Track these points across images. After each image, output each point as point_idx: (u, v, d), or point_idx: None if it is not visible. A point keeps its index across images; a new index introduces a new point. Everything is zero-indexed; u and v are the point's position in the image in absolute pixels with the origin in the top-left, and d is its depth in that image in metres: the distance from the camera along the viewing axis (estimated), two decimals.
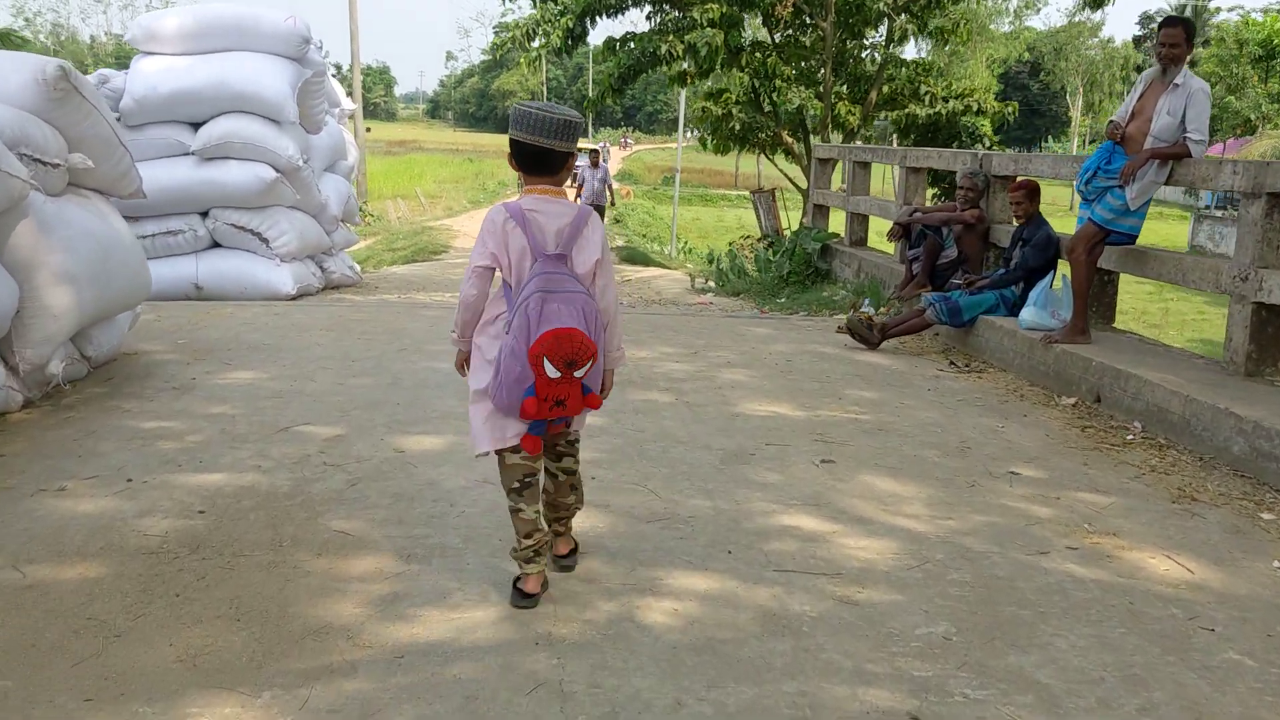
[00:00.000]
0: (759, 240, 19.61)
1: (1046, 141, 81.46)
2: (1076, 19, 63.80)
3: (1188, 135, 6.55)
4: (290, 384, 6.24)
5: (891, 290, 10.38)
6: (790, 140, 18.87)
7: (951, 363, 7.71)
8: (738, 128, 17.99)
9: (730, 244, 19.82)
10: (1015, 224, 8.17)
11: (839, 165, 15.80)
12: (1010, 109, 18.90)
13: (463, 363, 3.53)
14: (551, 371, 3.18)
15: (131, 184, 6.66)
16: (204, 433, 5.16)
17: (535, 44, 17.68)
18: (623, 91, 17.96)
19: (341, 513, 4.10)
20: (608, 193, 18.98)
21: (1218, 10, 78.05)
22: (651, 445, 5.19)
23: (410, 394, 6.07)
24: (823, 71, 17.92)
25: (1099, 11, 16.67)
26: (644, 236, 31.56)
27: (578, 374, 3.23)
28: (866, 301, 10.91)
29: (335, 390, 6.12)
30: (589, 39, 17.85)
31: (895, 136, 19.20)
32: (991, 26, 50.30)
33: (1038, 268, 7.86)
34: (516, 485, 3.40)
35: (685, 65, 17.76)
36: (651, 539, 3.95)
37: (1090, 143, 72.39)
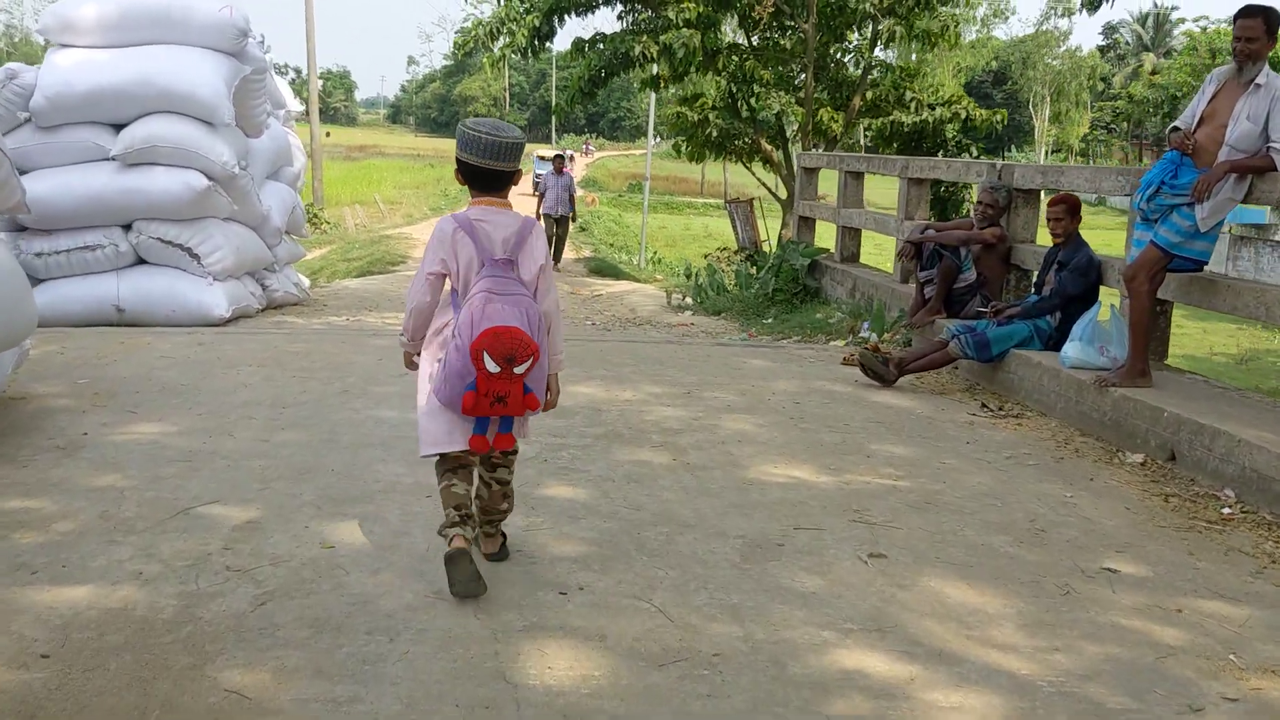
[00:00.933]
0: (736, 253, 18.59)
1: (1010, 151, 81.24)
2: (1045, 27, 63.58)
3: (1272, 144, 5.55)
4: (203, 441, 5.11)
5: (897, 315, 9.37)
6: (769, 148, 17.87)
7: (983, 405, 6.69)
8: (715, 134, 16.96)
9: (706, 256, 18.78)
10: (1052, 244, 7.16)
11: (841, 176, 14.77)
12: (999, 117, 18.00)
13: (412, 359, 3.73)
14: (491, 366, 3.32)
15: (11, 197, 5.51)
16: (79, 517, 4.02)
17: (499, 44, 16.59)
18: (593, 95, 16.91)
19: (240, 657, 2.99)
20: (570, 202, 17.95)
21: (1181, 20, 78.21)
22: (652, 532, 4.12)
23: (348, 456, 4.95)
24: (804, 76, 16.94)
25: (1094, 13, 15.83)
26: (611, 246, 30.49)
27: (518, 370, 3.35)
28: (865, 326, 9.90)
29: (257, 450, 4.99)
30: (556, 39, 16.79)
31: (878, 145, 18.24)
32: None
33: (1077, 295, 6.87)
34: (450, 468, 3.57)
35: (659, 68, 16.74)
36: (667, 699, 2.87)
37: (1054, 152, 72.19)
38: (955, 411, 6.51)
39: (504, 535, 3.84)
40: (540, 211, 17.97)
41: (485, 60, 16.75)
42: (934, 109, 17.41)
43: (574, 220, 19.67)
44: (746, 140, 17.46)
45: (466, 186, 3.59)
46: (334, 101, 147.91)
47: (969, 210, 18.27)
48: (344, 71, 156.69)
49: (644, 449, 5.28)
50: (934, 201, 18.16)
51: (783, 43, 17.06)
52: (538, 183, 47.58)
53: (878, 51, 18.03)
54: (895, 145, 18.26)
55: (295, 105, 12.72)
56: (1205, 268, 6.13)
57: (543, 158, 46.36)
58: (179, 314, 9.32)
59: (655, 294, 15.95)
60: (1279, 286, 6.34)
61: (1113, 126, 75.96)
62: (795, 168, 13.07)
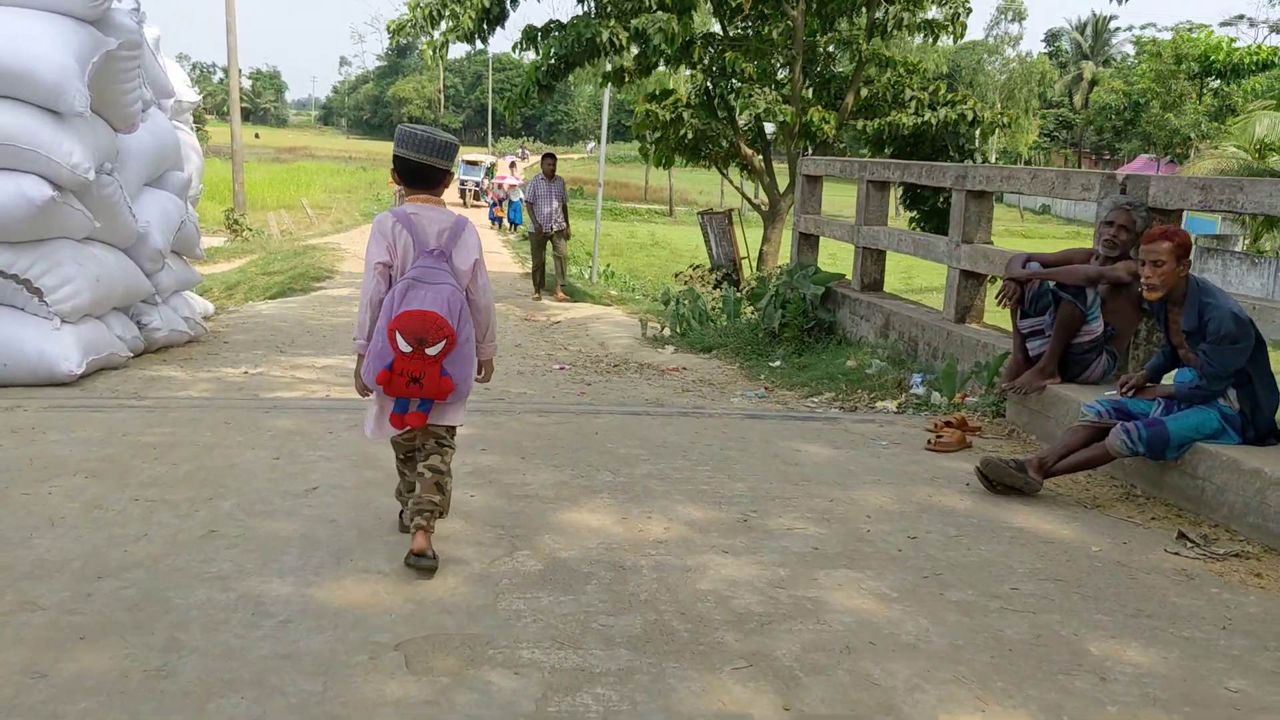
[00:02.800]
0: (711, 271, 16.38)
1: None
2: (995, 32, 62.33)
3: None
4: None
5: (970, 371, 7.20)
6: (749, 152, 15.68)
7: (1181, 535, 4.50)
8: (690, 136, 14.72)
9: (678, 275, 16.51)
10: (1147, 296, 4.98)
11: (862, 187, 12.63)
12: (1009, 118, 15.98)
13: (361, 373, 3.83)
14: (403, 346, 3.54)
15: None
16: None
17: (441, 28, 14.22)
18: (551, 88, 14.60)
19: None
20: (564, 214, 15.05)
21: (1118, 29, 77.65)
22: None
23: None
24: (791, 70, 14.78)
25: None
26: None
27: (430, 351, 3.55)
28: (917, 380, 7.75)
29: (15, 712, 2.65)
30: (508, 24, 14.46)
31: (869, 150, 16.12)
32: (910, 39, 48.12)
33: (1239, 368, 4.77)
34: (401, 458, 3.96)
35: (627, 58, 14.49)
36: None
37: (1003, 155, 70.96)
38: (1144, 547, 4.33)
39: (434, 551, 3.69)
40: (532, 228, 15.14)
41: (425, 47, 14.35)
42: (936, 109, 15.32)
43: (567, 238, 15.52)
44: (724, 143, 15.23)
45: (402, 186, 3.87)
46: (264, 102, 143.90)
47: None
48: (274, 72, 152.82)
49: (722, 679, 3.00)
50: (928, 214, 16.14)
51: (766, 31, 14.89)
52: (462, 189, 44.13)
53: (887, 43, 15.90)
54: (889, 150, 16.17)
55: (189, 94, 10.25)
56: None
57: (470, 162, 43.63)
58: (11, 370, 6.88)
59: (625, 321, 13.68)
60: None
61: (1055, 135, 75.19)
62: (795, 175, 10.89)
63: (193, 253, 9.70)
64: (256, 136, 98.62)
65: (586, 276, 24.76)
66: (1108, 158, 74.43)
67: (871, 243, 9.80)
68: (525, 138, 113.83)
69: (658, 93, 16.33)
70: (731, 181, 16.72)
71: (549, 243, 15.27)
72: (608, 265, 27.10)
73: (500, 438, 5.50)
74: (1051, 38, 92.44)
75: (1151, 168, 41.65)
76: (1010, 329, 6.60)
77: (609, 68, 15.19)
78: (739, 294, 15.23)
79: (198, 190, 9.81)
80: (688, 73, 15.73)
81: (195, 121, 12.54)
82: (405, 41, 15.24)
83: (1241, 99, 42.83)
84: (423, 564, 3.58)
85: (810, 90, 15.65)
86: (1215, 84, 42.16)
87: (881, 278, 10.15)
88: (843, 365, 8.62)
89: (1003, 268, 7.57)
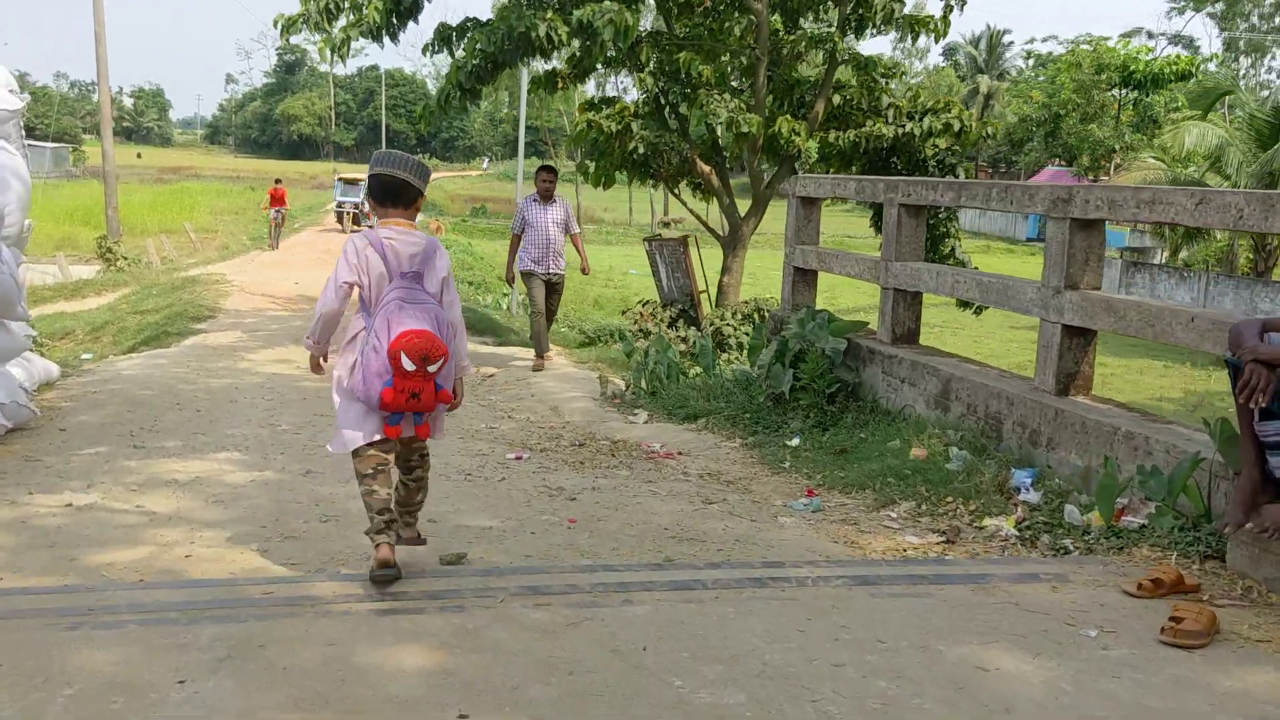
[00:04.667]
0: (664, 308, 14.14)
1: None
2: (903, 43, 61.41)
3: None
4: None
5: (1134, 477, 5.08)
6: (706, 169, 13.49)
7: None
8: (641, 150, 12.47)
9: (625, 313, 14.20)
10: None
11: (892, 213, 10.44)
12: (993, 128, 14.07)
13: (318, 363, 4.24)
14: (407, 365, 3.77)
15: None
16: None
17: (340, 23, 11.79)
18: (476, 93, 12.22)
19: None
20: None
21: (1011, 44, 77.67)
22: None
23: None
24: (754, 73, 12.66)
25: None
26: (471, 285, 25.61)
27: (430, 369, 3.81)
28: (1026, 482, 5.66)
29: None
30: (420, 17, 12.06)
31: (833, 165, 14.06)
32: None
33: None
34: (370, 472, 4.02)
35: (563, 57, 12.23)
36: None
37: None
38: None
39: (420, 533, 4.29)
40: (515, 269, 11.48)
41: (321, 46, 11.87)
42: (915, 118, 13.33)
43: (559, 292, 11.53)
44: (676, 158, 13.03)
45: (375, 209, 4.11)
46: (147, 121, 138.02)
47: (954, 248, 14.31)
48: (157, 89, 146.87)
49: None
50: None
51: (725, 28, 12.75)
52: (340, 212, 39.97)
53: (861, 41, 13.85)
54: (858, 165, 14.14)
55: (8, 102, 7.67)
56: None
57: (348, 181, 39.33)
58: None
59: (574, 373, 11.34)
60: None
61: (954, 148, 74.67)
62: (757, 194, 8.72)
63: (10, 313, 7.13)
64: (139, 156, 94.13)
65: (505, 307, 22.40)
66: (1004, 170, 74.26)
67: (910, 283, 7.67)
68: (421, 155, 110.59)
69: (594, 101, 14.06)
70: (685, 203, 14.56)
71: (543, 293, 11.12)
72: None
73: (487, 679, 3.16)
74: (949, 52, 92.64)
75: (1060, 179, 40.60)
76: (1223, 427, 4.50)
77: (548, 67, 12.91)
78: (701, 335, 13.04)
79: (18, 228, 7.25)
80: (627, 77, 13.48)
81: (65, 139, 9.81)
82: (293, 58, 12.66)
83: (1162, 109, 42.16)
84: (388, 575, 3.88)
85: (774, 97, 13.53)
86: (1134, 95, 41.34)
87: (918, 327, 8.03)
88: (901, 452, 6.44)
89: (1143, 324, 5.50)
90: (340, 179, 39.94)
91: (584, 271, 11.83)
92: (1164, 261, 41.00)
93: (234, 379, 10.38)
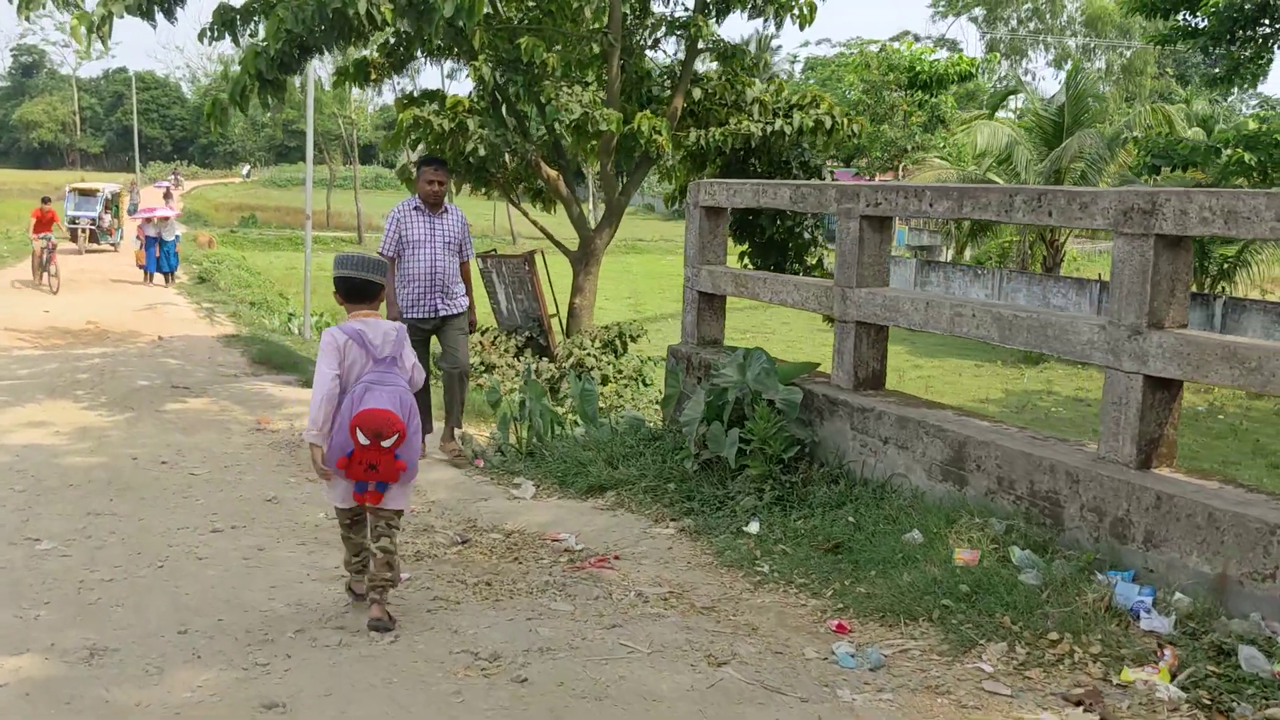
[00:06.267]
0: (509, 336, 12.17)
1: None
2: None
3: None
4: None
5: None
6: (553, 173, 11.63)
7: None
8: (481, 152, 10.48)
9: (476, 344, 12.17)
10: None
11: (849, 227, 9.01)
12: (860, 127, 12.77)
13: (323, 464, 4.31)
14: (362, 440, 4.16)
15: None
16: None
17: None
18: (281, 85, 9.95)
19: None
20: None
21: (779, 47, 78.80)
22: None
23: None
24: (607, 62, 10.90)
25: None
26: (253, 306, 22.73)
27: (384, 444, 4.18)
28: (1143, 601, 4.14)
29: None
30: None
31: (682, 168, 12.46)
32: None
33: None
34: (348, 523, 4.52)
35: (373, 48, 10.14)
36: None
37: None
38: None
39: (389, 615, 4.32)
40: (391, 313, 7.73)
41: (74, 23, 9.34)
42: (783, 114, 11.86)
43: (471, 329, 8.29)
44: (518, 161, 11.11)
45: (345, 305, 4.46)
46: None
47: (822, 258, 12.95)
48: None
49: None
50: (764, 247, 12.74)
51: (575, 9, 10.92)
52: (74, 228, 34.15)
53: (723, 22, 12.23)
54: (713, 167, 12.60)
55: None
56: None
57: (82, 192, 34.35)
58: None
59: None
60: None
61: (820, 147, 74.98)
62: (688, 206, 7.09)
63: None
64: None
65: (296, 330, 19.84)
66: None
67: (881, 315, 6.06)
68: (178, 161, 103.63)
69: (414, 96, 11.97)
70: (526, 213, 12.59)
71: (433, 338, 7.89)
72: (321, 315, 22.16)
73: None
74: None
75: (843, 178, 40.49)
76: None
77: (369, 53, 10.78)
78: (558, 366, 11.17)
79: None
80: (455, 69, 11.46)
81: None
82: (31, 60, 10.05)
83: (949, 110, 42.74)
84: (382, 626, 4.25)
85: (620, 89, 11.79)
86: (920, 95, 41.73)
87: (883, 368, 6.44)
88: (930, 552, 4.79)
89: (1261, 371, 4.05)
90: (72, 190, 34.31)
91: (469, 327, 8.03)
92: (951, 259, 41.56)
93: None
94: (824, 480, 6.02)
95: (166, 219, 23.73)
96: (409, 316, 7.51)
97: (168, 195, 26.15)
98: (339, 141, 61.38)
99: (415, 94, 11.81)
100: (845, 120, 12.07)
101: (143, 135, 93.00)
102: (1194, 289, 31.35)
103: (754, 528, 5.71)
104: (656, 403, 11.88)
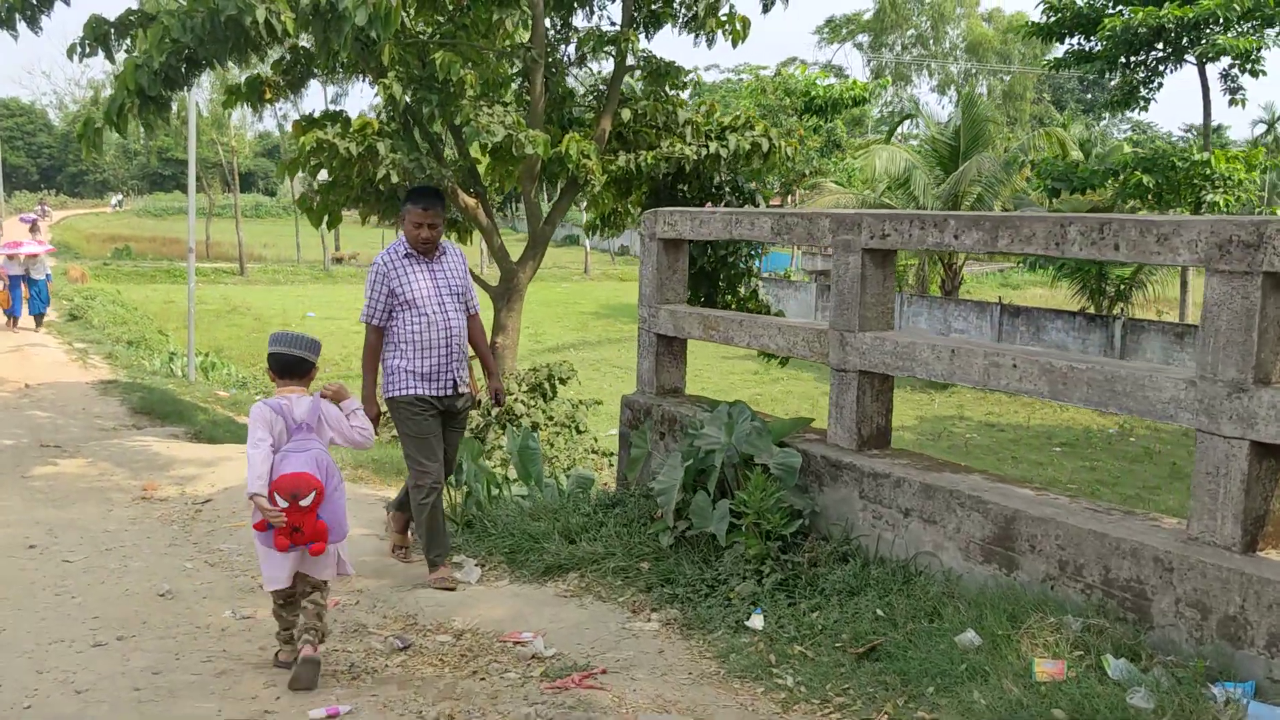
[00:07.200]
0: None
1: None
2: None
3: None
4: None
5: None
6: (471, 201, 10.62)
7: None
8: (394, 179, 9.42)
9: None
10: None
11: (848, 263, 8.21)
12: (793, 148, 12.06)
13: (263, 517, 4.35)
14: (280, 502, 4.23)
15: None
16: None
17: None
18: (165, 102, 8.76)
19: None
20: (487, 357, 6.53)
21: (695, 68, 78.81)
22: None
23: None
24: (529, 80, 9.96)
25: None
26: (131, 345, 21.09)
27: (303, 503, 4.25)
28: None
29: None
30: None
31: (603, 196, 11.55)
32: None
33: None
34: (280, 602, 4.58)
35: (268, 65, 9.05)
36: None
37: None
38: None
39: (319, 661, 4.38)
40: (389, 390, 5.95)
41: None
42: (717, 138, 11.08)
43: (475, 403, 6.73)
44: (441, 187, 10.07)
45: (275, 380, 4.59)
46: None
47: (756, 289, 12.19)
48: None
49: None
50: (694, 278, 11.90)
51: (494, 22, 9.95)
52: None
53: (653, 36, 11.33)
54: (639, 193, 11.75)
55: None
56: None
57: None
58: None
59: None
60: None
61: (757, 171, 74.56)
62: (643, 238, 6.23)
63: None
64: None
65: (179, 372, 18.36)
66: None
67: (894, 364, 5.21)
68: (45, 192, 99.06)
69: (315, 116, 10.84)
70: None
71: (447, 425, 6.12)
72: (206, 355, 20.66)
73: None
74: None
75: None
76: None
77: (263, 71, 9.65)
78: (481, 415, 10.15)
79: None
80: (364, 88, 10.41)
81: None
82: None
83: (844, 133, 42.73)
84: (308, 677, 4.29)
85: (542, 109, 10.85)
86: (815, 120, 41.64)
87: (889, 424, 5.60)
88: (996, 657, 3.94)
89: None
90: None
91: (497, 400, 6.37)
92: None
93: None
94: (830, 559, 5.14)
95: (35, 256, 21.06)
96: (425, 394, 5.77)
97: (34, 228, 23.27)
98: (217, 169, 59.00)
99: (315, 114, 10.69)
100: (782, 143, 11.32)
101: (7, 164, 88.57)
102: (1092, 311, 31.64)
103: (758, 622, 4.80)
104: (593, 452, 10.94)
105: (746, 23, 11.01)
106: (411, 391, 5.78)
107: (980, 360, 4.80)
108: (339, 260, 52.07)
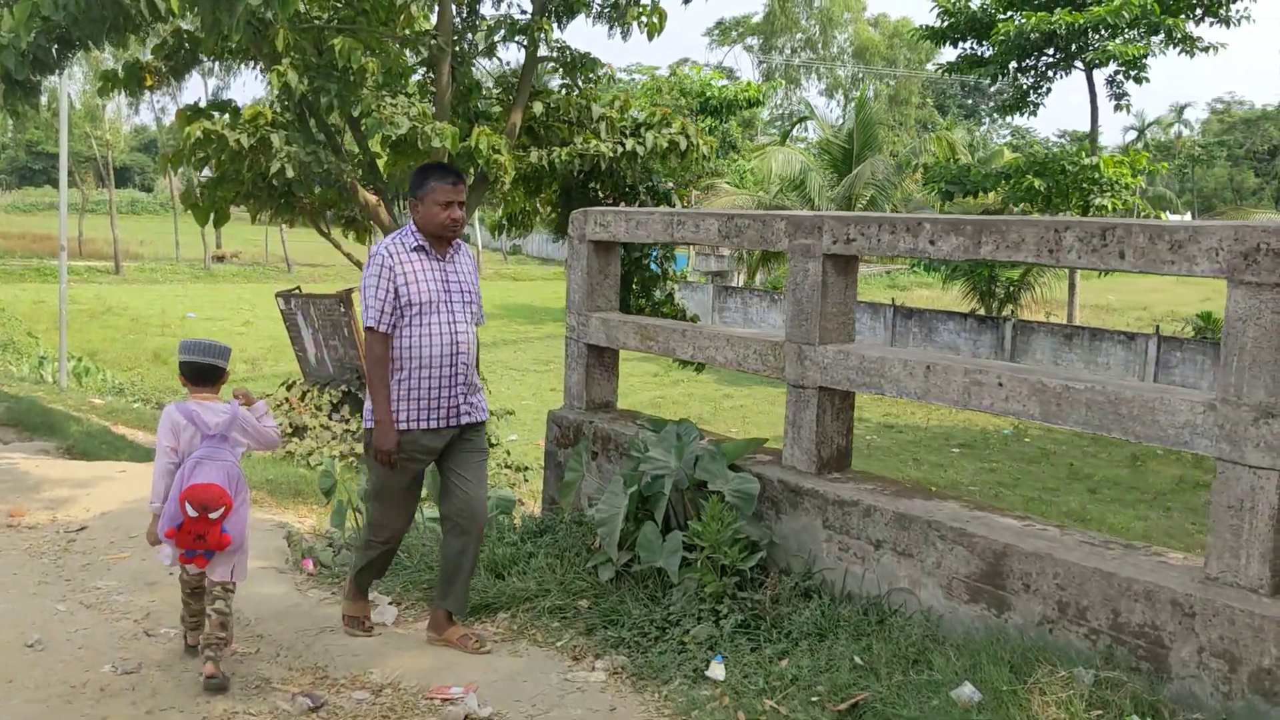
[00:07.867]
0: (320, 390, 10.34)
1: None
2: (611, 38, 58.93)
3: None
4: None
5: None
6: (372, 199, 9.94)
7: None
8: (289, 173, 8.69)
9: (284, 405, 10.22)
10: None
11: (810, 268, 7.63)
12: (709, 145, 11.65)
13: (156, 532, 4.46)
14: (191, 512, 4.23)
15: None
16: None
17: None
18: (35, 89, 7.88)
19: None
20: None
21: (620, 70, 78.29)
22: None
23: None
24: (435, 70, 9.33)
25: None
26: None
27: (212, 516, 4.27)
28: None
29: None
30: None
31: (512, 197, 10.98)
32: None
33: None
34: (188, 592, 4.62)
35: (148, 50, 8.27)
36: None
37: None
38: None
39: (224, 674, 4.35)
40: (370, 420, 4.76)
41: None
42: (633, 134, 10.59)
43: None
44: (332, 186, 9.38)
45: (187, 386, 4.53)
46: None
47: (672, 293, 11.76)
48: None
49: None
50: (624, 279, 11.41)
51: (396, 6, 9.28)
52: None
53: (566, 25, 10.72)
54: (547, 192, 11.20)
55: None
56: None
57: None
58: None
59: None
60: None
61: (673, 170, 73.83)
62: (572, 240, 5.73)
63: None
64: None
65: (51, 378, 17.19)
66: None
67: (860, 380, 4.76)
68: None
69: (200, 106, 10.03)
70: (339, 246, 10.77)
71: (440, 463, 4.99)
72: (79, 359, 19.43)
73: None
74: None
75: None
76: None
77: (142, 56, 8.83)
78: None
79: None
80: (252, 75, 9.64)
81: None
82: None
83: (739, 135, 42.66)
84: (217, 685, 4.27)
85: (456, 106, 10.21)
86: (710, 121, 41.50)
87: (849, 444, 5.15)
88: (997, 715, 3.51)
89: None
90: None
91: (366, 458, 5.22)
92: (744, 284, 41.41)
93: None
94: (793, 596, 4.67)
95: None
96: (417, 427, 4.71)
97: None
98: (91, 164, 56.46)
99: (200, 104, 9.88)
100: (700, 141, 10.87)
101: None
102: (982, 313, 32.00)
103: (719, 671, 4.30)
104: (506, 466, 10.33)
105: (664, 15, 10.54)
106: (416, 421, 4.72)
107: (959, 378, 4.38)
108: (220, 259, 50.32)
